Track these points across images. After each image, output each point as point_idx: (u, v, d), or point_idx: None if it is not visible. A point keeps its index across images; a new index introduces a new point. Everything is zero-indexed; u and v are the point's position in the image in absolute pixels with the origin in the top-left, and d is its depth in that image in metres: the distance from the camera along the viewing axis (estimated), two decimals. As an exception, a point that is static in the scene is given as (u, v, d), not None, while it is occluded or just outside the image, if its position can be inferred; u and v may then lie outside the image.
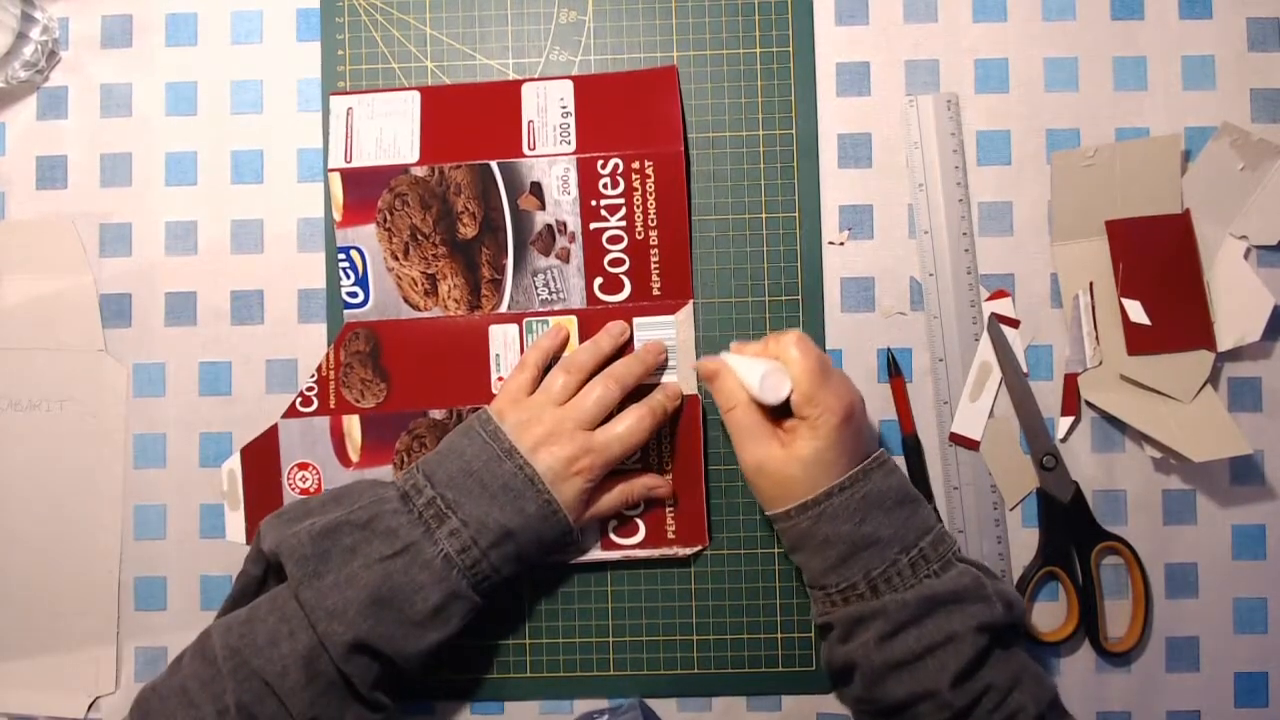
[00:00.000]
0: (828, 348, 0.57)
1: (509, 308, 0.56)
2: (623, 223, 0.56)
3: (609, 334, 0.55)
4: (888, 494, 0.48)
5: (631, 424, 0.52)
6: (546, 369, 0.54)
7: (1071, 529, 0.55)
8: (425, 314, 0.57)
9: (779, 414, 0.50)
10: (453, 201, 0.56)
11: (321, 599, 0.46)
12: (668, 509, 0.55)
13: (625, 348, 0.55)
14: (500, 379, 0.56)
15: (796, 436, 0.48)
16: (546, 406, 0.52)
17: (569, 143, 0.56)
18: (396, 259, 0.56)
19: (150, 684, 0.47)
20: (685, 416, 0.55)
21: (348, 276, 0.57)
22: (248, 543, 0.56)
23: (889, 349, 0.56)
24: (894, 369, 0.56)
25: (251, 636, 0.46)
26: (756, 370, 0.49)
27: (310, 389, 0.57)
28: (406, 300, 0.57)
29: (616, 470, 0.53)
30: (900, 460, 0.56)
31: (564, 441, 0.50)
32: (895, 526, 0.47)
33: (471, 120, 0.57)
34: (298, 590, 0.47)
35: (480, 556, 0.48)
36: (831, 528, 0.47)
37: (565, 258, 0.56)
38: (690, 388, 0.56)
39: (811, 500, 0.47)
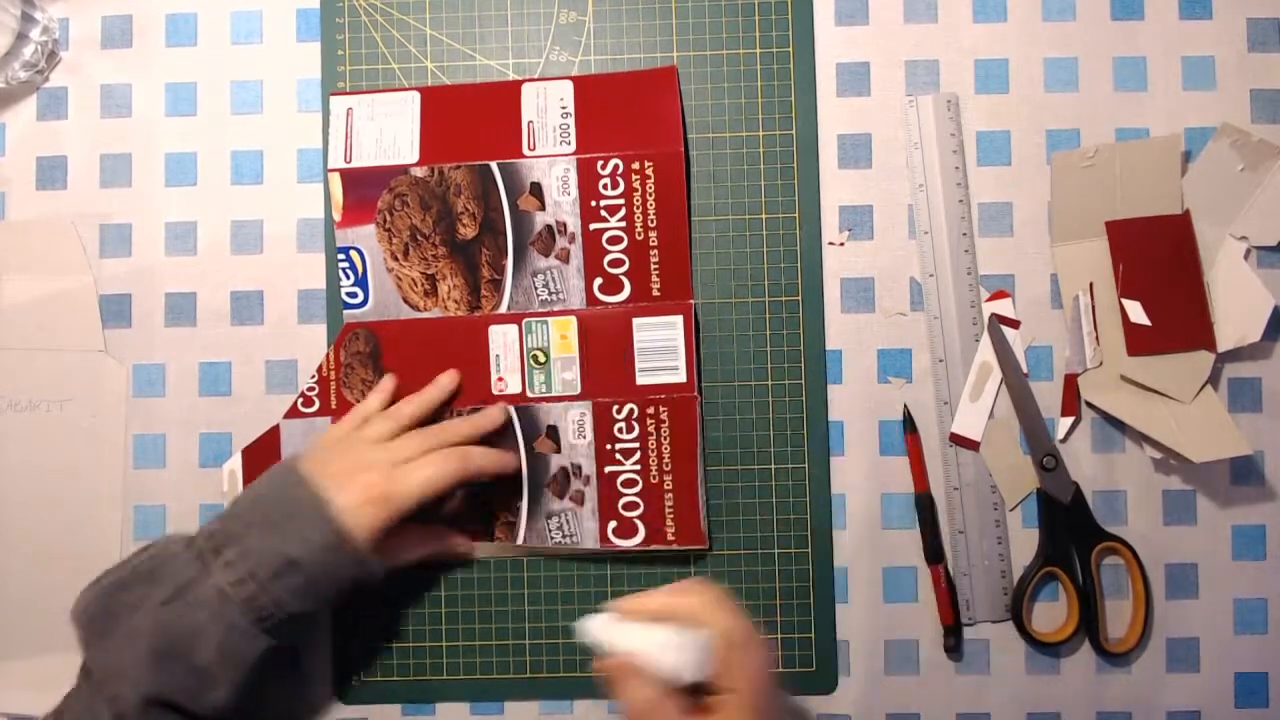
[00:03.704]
0: (827, 348, 0.57)
1: (509, 308, 0.56)
2: (622, 223, 0.56)
3: (437, 386, 0.55)
4: None
5: (436, 468, 0.49)
6: None
7: (1071, 529, 0.55)
8: (425, 314, 0.57)
9: (694, 692, 0.42)
10: (453, 202, 0.56)
11: (107, 661, 0.44)
12: (668, 510, 0.55)
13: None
14: (500, 379, 0.56)
15: (724, 717, 0.41)
16: (357, 443, 0.51)
17: (569, 143, 0.56)
18: (396, 259, 0.56)
19: None
20: (683, 417, 0.55)
21: (347, 277, 0.57)
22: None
23: (905, 408, 0.56)
24: (909, 426, 0.56)
25: None
26: (670, 644, 0.40)
27: (311, 389, 0.57)
28: (406, 301, 0.57)
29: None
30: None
31: (363, 472, 0.48)
32: None
33: (471, 121, 0.57)
34: (86, 655, 0.45)
35: (259, 590, 0.45)
36: None
37: (565, 258, 0.56)
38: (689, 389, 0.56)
39: None
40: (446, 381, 0.55)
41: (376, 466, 0.49)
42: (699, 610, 0.42)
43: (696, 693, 0.42)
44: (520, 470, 0.55)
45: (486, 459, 0.52)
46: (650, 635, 0.41)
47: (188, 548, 0.46)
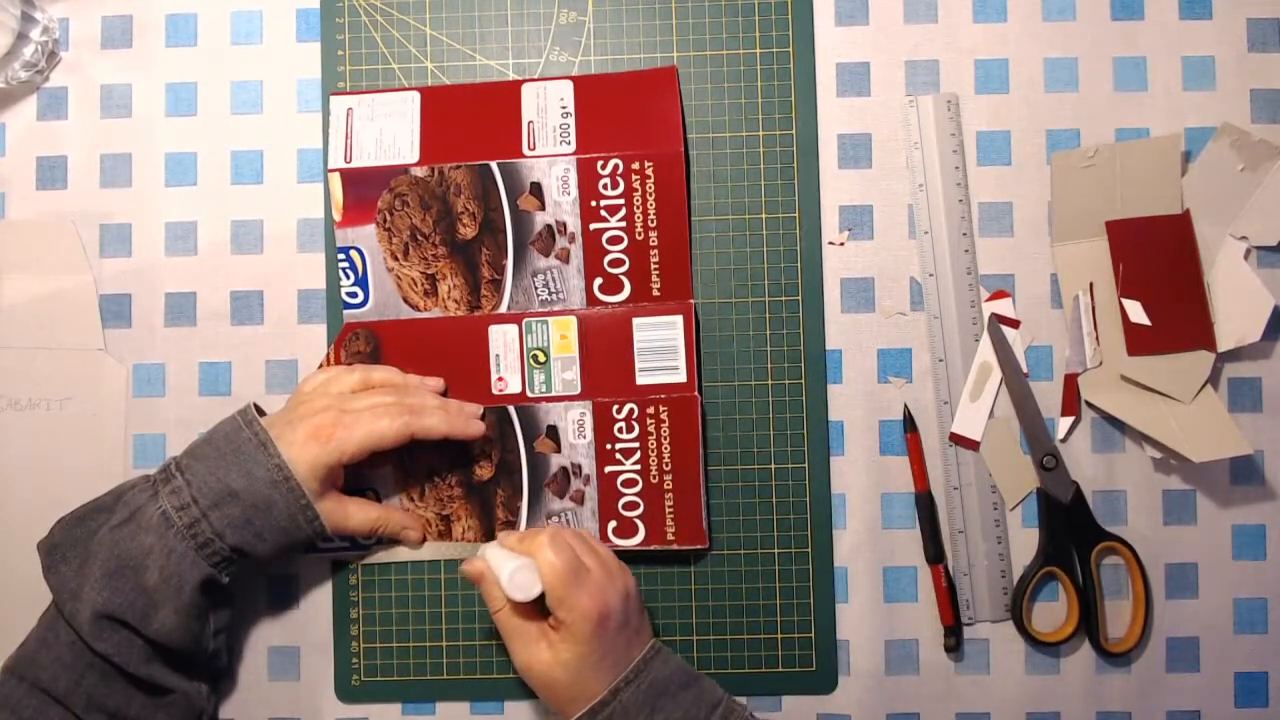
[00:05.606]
0: (827, 348, 0.57)
1: (509, 308, 0.56)
2: (622, 223, 0.56)
3: (420, 378, 0.55)
4: (672, 679, 0.48)
5: (386, 420, 0.50)
6: None
7: (1071, 529, 0.55)
8: (425, 314, 0.57)
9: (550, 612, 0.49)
10: (453, 202, 0.56)
11: (65, 583, 0.47)
12: (668, 510, 0.55)
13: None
14: (500, 379, 0.56)
15: (560, 639, 0.48)
16: (318, 394, 0.52)
17: (569, 143, 0.56)
18: (396, 259, 0.57)
19: None
20: (683, 417, 0.55)
21: (347, 277, 0.57)
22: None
23: (905, 407, 0.56)
24: (909, 425, 0.56)
25: (25, 652, 0.47)
26: (507, 567, 0.48)
27: (310, 389, 0.56)
28: (406, 300, 0.57)
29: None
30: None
31: (316, 415, 0.50)
32: (685, 708, 0.48)
33: (471, 121, 0.57)
34: (47, 580, 0.48)
35: (200, 516, 0.47)
36: None
37: (565, 258, 0.56)
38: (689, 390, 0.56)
39: (600, 703, 0.47)
40: (432, 381, 0.55)
41: (328, 411, 0.50)
42: (534, 547, 0.48)
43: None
44: (484, 437, 0.54)
45: (438, 417, 0.52)
46: (498, 556, 0.49)
47: (145, 479, 0.50)
